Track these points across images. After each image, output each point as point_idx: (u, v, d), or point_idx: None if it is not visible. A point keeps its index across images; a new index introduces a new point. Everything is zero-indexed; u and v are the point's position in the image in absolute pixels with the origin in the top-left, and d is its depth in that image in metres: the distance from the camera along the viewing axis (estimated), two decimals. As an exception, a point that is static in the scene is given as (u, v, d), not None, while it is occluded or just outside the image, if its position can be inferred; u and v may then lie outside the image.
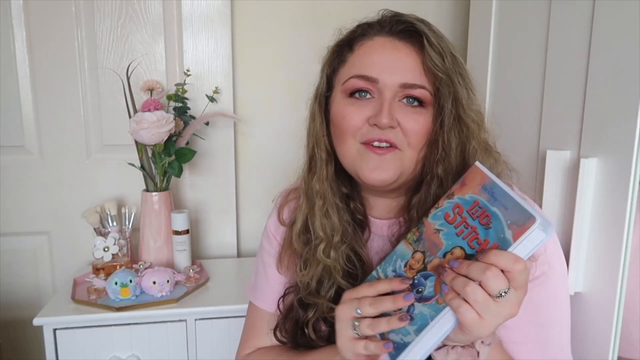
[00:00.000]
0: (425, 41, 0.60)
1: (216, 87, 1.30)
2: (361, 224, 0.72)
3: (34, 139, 1.33)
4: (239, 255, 1.47)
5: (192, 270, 1.17)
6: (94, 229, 1.20)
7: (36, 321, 1.00)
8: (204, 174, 1.40)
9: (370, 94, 0.63)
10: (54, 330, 1.01)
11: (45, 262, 1.39)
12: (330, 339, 0.71)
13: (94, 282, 1.07)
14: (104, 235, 1.17)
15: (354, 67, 0.64)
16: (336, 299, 0.68)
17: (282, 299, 0.77)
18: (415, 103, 0.62)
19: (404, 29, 0.63)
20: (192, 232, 1.25)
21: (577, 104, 0.79)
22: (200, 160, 1.38)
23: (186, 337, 1.07)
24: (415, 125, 0.61)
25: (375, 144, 0.62)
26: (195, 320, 1.06)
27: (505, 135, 0.66)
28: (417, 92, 0.61)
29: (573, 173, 0.78)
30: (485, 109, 0.66)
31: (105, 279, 1.06)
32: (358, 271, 0.69)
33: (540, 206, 0.85)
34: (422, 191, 0.64)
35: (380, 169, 0.62)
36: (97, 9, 1.29)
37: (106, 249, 1.14)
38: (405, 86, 0.61)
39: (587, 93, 0.77)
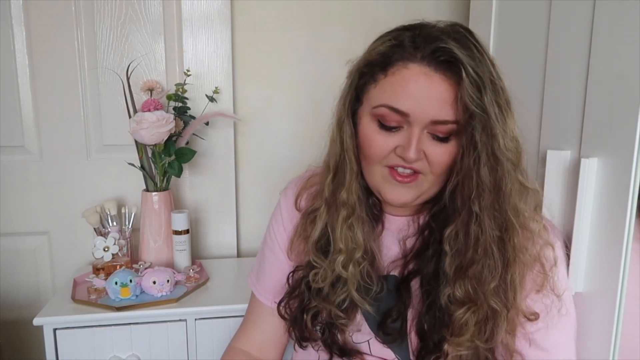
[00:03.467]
0: (463, 73, 0.58)
1: (216, 87, 1.30)
2: (375, 217, 0.74)
3: (34, 139, 1.33)
4: (238, 255, 1.47)
5: (192, 270, 1.17)
6: (94, 229, 1.20)
7: (36, 321, 1.00)
8: (204, 174, 1.40)
9: (399, 125, 0.63)
10: (54, 330, 1.01)
11: (45, 262, 1.38)
12: (325, 333, 0.73)
13: (94, 282, 1.07)
14: (104, 235, 1.17)
15: (385, 94, 0.62)
16: (344, 307, 0.71)
17: (291, 274, 0.78)
18: (441, 135, 0.63)
19: (443, 60, 0.59)
20: (192, 232, 1.25)
21: (577, 104, 0.79)
22: (200, 160, 1.38)
23: (186, 337, 1.07)
24: (440, 157, 0.63)
25: (400, 170, 0.64)
26: (195, 320, 1.06)
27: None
28: (446, 129, 0.61)
29: (573, 173, 0.78)
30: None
31: (105, 279, 1.06)
32: (374, 287, 0.70)
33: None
34: (456, 223, 0.64)
35: (401, 194, 0.66)
36: (97, 9, 1.29)
37: (106, 249, 1.14)
38: (435, 122, 0.61)
39: (588, 93, 0.76)
